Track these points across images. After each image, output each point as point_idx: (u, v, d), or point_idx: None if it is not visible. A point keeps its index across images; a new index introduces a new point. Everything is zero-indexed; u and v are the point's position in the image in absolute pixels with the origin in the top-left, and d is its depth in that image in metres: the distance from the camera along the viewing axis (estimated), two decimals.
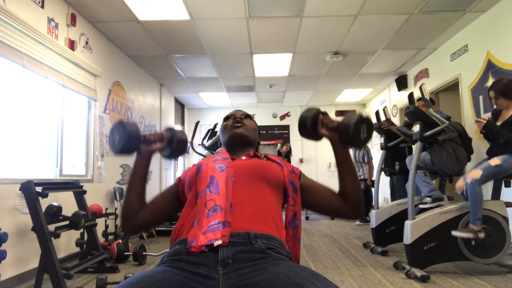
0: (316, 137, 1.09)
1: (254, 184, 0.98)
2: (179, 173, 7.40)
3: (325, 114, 1.08)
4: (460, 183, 2.80)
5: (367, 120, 1.03)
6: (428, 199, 3.15)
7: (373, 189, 4.93)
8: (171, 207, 1.11)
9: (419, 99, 3.34)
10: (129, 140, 1.05)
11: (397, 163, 4.01)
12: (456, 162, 3.12)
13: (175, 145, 1.12)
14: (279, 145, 7.52)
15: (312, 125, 1.07)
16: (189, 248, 0.84)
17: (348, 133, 1.01)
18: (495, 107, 2.92)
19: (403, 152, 4.18)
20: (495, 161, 2.62)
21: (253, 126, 1.24)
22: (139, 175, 1.10)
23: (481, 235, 2.57)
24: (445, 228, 2.63)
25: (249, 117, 1.26)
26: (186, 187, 1.05)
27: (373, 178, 5.72)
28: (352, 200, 1.05)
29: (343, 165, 1.07)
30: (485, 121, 2.74)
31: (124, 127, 1.05)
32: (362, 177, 5.90)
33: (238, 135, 1.17)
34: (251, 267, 0.80)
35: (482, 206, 2.60)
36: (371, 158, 5.96)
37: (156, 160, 6.06)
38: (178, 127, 1.13)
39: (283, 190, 1.05)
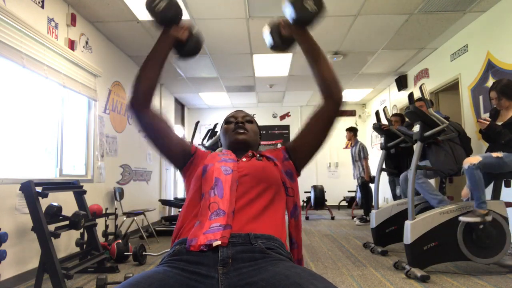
0: (288, 42, 1.13)
1: (256, 187, 0.99)
2: (178, 174, 7.37)
3: (281, 21, 1.12)
4: (465, 191, 2.81)
5: None
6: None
7: (372, 186, 4.94)
8: (175, 144, 1.11)
9: (418, 99, 3.34)
10: (172, 15, 1.06)
11: (398, 186, 4.05)
12: (454, 162, 3.13)
13: (193, 42, 1.14)
14: (279, 145, 7.52)
15: (278, 35, 1.12)
16: (188, 247, 0.84)
17: (296, 12, 1.03)
18: (494, 106, 2.93)
19: (402, 153, 4.18)
20: (497, 153, 2.62)
21: (255, 129, 1.24)
22: (161, 52, 1.10)
23: (488, 218, 2.54)
24: (445, 228, 2.63)
25: (250, 120, 1.25)
26: (193, 181, 1.05)
27: (372, 175, 5.76)
28: (330, 81, 1.08)
29: (310, 49, 1.10)
30: (488, 122, 2.73)
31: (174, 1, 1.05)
32: (358, 175, 5.89)
33: (241, 141, 1.16)
34: (250, 267, 0.80)
35: (483, 189, 2.58)
36: (367, 154, 5.94)
37: (156, 160, 6.06)
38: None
39: (283, 187, 1.06)
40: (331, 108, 1.09)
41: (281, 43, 1.13)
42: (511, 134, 2.64)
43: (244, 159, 1.11)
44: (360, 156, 5.87)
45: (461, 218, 2.59)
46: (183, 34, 1.11)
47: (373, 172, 5.13)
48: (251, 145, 1.19)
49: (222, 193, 0.93)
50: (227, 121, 1.24)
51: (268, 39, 1.15)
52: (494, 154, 2.61)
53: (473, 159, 2.59)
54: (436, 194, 3.14)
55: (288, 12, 1.06)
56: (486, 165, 2.59)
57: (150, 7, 1.05)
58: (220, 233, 0.84)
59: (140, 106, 1.06)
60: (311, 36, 1.10)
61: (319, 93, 1.11)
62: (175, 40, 1.11)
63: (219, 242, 0.82)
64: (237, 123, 1.19)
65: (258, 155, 1.15)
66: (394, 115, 4.68)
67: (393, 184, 4.63)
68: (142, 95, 1.06)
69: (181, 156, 1.12)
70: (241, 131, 1.17)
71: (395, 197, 4.51)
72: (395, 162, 4.30)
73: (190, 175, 1.10)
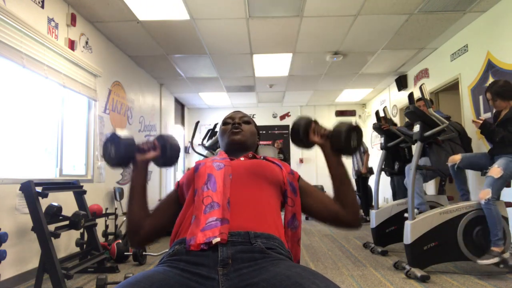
0: (308, 144, 1.13)
1: (252, 183, 0.99)
2: (179, 173, 7.40)
3: (317, 122, 1.13)
4: (455, 157, 2.83)
5: (357, 128, 1.08)
6: (416, 211, 3.13)
7: (372, 186, 4.93)
8: (174, 213, 1.08)
9: (418, 99, 3.34)
10: (125, 152, 1.05)
11: (397, 162, 4.03)
12: None
13: (168, 151, 1.11)
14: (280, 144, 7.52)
15: (305, 132, 1.11)
16: (188, 247, 0.84)
17: (340, 141, 1.06)
18: (495, 110, 2.93)
19: (402, 153, 4.18)
20: (496, 171, 2.58)
21: (252, 130, 1.23)
22: (139, 187, 1.09)
23: (506, 255, 2.49)
24: (445, 228, 2.63)
25: (248, 121, 1.25)
26: (185, 187, 1.05)
27: (369, 166, 5.82)
28: (350, 207, 1.06)
29: (337, 172, 1.09)
30: (481, 121, 2.75)
31: (119, 139, 1.04)
32: (356, 167, 5.95)
33: (236, 142, 1.16)
34: (250, 267, 0.80)
35: (502, 225, 2.53)
36: (367, 148, 6.01)
37: None
38: (168, 135, 1.16)
39: (281, 190, 1.05)
40: (344, 218, 1.06)
41: (304, 140, 1.12)
42: (504, 131, 2.65)
43: (242, 159, 1.11)
44: (360, 151, 5.90)
45: (480, 262, 2.53)
46: (153, 153, 1.10)
47: (374, 168, 5.15)
48: (248, 146, 1.19)
49: (215, 187, 0.93)
50: (224, 123, 1.24)
51: (294, 131, 1.13)
52: (495, 175, 2.57)
53: (486, 193, 2.54)
54: (420, 195, 3.16)
55: (335, 139, 1.07)
56: (497, 190, 2.57)
57: (105, 158, 1.07)
58: (218, 229, 0.84)
59: (143, 242, 1.09)
60: (341, 159, 1.09)
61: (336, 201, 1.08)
62: (147, 165, 1.10)
63: (218, 239, 0.82)
64: (234, 124, 1.19)
65: (261, 157, 1.15)
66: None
67: (392, 184, 4.63)
68: (141, 239, 1.07)
69: (178, 206, 1.09)
70: (237, 131, 1.17)
71: (394, 197, 4.50)
72: (393, 162, 4.29)
73: (185, 192, 1.08)
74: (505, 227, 2.66)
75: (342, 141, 1.05)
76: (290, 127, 1.15)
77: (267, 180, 1.01)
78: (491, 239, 2.54)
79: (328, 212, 1.07)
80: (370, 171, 5.87)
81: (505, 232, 2.65)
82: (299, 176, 1.13)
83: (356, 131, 1.07)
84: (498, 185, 2.57)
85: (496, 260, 2.49)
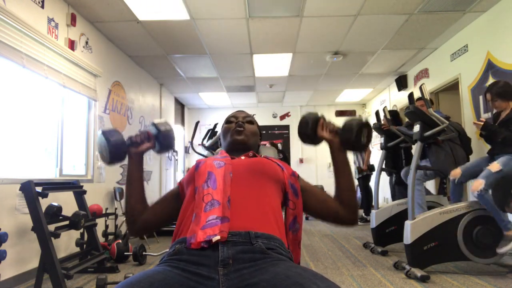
0: (315, 140, 1.13)
1: (253, 181, 0.99)
2: (179, 173, 7.40)
3: (325, 118, 1.13)
4: (456, 172, 2.80)
5: (367, 124, 1.07)
6: None
7: (372, 186, 4.93)
8: (173, 208, 1.10)
9: (418, 99, 3.34)
10: (115, 149, 1.06)
11: (397, 187, 4.07)
12: (453, 162, 3.12)
13: (162, 139, 1.12)
14: (279, 145, 7.51)
15: (313, 127, 1.11)
16: (188, 245, 0.84)
17: (350, 137, 1.04)
18: (494, 110, 2.93)
19: (401, 153, 4.18)
20: (496, 166, 2.58)
21: (254, 130, 1.24)
22: (136, 178, 1.11)
23: None
24: (445, 228, 2.63)
25: (251, 121, 1.25)
26: (186, 185, 1.06)
27: (371, 164, 5.81)
28: (349, 205, 1.06)
29: (343, 170, 1.09)
30: (482, 123, 2.75)
31: (107, 138, 1.06)
32: (357, 164, 5.93)
33: (239, 142, 1.17)
34: (251, 267, 0.80)
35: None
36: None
37: (156, 160, 6.06)
38: (161, 120, 1.16)
39: (282, 189, 1.05)
40: (344, 217, 1.07)
41: (312, 135, 1.13)
42: (506, 131, 2.65)
43: (243, 157, 1.11)
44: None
45: (499, 251, 2.53)
46: (147, 145, 1.11)
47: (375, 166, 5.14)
48: (250, 146, 1.20)
49: (215, 185, 0.93)
50: (227, 121, 1.24)
51: (302, 125, 1.14)
52: (493, 169, 2.57)
53: (478, 185, 2.54)
54: (422, 207, 3.13)
55: (346, 134, 1.06)
56: (492, 184, 2.56)
57: (102, 159, 1.11)
58: (218, 227, 0.84)
59: (141, 232, 1.13)
60: (347, 156, 1.10)
61: (336, 199, 1.09)
62: (141, 156, 1.13)
63: (218, 237, 0.82)
64: (237, 122, 1.20)
65: (261, 156, 1.15)
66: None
67: (392, 185, 4.63)
68: (139, 226, 1.10)
69: (179, 202, 1.09)
70: (241, 129, 1.18)
71: (394, 197, 4.50)
72: (393, 162, 4.29)
73: (186, 189, 1.09)
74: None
75: (353, 137, 1.04)
76: (298, 122, 1.14)
77: (268, 178, 1.01)
78: (500, 225, 2.55)
79: (329, 211, 1.08)
80: (370, 168, 5.85)
81: None
82: (298, 175, 1.13)
83: (367, 127, 1.06)
84: (492, 179, 2.56)
85: None
